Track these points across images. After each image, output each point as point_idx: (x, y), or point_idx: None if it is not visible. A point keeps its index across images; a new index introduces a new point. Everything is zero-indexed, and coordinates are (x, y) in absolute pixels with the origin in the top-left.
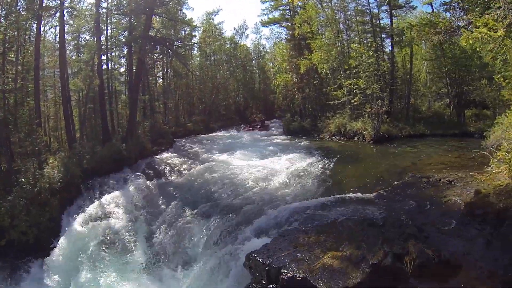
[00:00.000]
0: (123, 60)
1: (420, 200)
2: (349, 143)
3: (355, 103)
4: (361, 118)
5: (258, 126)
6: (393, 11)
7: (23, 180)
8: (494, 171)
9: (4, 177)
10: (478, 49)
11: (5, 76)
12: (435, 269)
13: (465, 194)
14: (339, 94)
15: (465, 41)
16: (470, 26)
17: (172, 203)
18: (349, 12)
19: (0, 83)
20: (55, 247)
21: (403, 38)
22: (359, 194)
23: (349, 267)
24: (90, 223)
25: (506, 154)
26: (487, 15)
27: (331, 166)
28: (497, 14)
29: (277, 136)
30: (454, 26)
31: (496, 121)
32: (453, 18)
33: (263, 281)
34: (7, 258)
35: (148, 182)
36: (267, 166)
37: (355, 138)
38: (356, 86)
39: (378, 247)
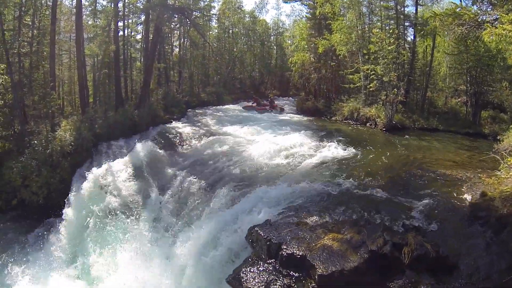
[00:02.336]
0: (140, 27)
1: (424, 194)
2: (361, 129)
3: (371, 89)
4: (375, 105)
5: (267, 107)
6: None
7: (35, 142)
8: (502, 176)
9: (17, 139)
10: (503, 49)
11: (21, 39)
12: (432, 264)
13: (471, 194)
14: (355, 78)
15: (488, 36)
16: (496, 22)
17: (180, 171)
18: None
19: (16, 46)
20: (64, 208)
21: (425, 28)
22: (366, 181)
23: (348, 251)
24: (99, 186)
25: None
26: None
27: (340, 149)
28: None
29: (290, 114)
30: (479, 20)
31: (511, 126)
32: (479, 11)
33: (263, 255)
34: (18, 217)
35: (158, 150)
36: (276, 142)
37: (367, 124)
38: (374, 72)
39: (379, 234)
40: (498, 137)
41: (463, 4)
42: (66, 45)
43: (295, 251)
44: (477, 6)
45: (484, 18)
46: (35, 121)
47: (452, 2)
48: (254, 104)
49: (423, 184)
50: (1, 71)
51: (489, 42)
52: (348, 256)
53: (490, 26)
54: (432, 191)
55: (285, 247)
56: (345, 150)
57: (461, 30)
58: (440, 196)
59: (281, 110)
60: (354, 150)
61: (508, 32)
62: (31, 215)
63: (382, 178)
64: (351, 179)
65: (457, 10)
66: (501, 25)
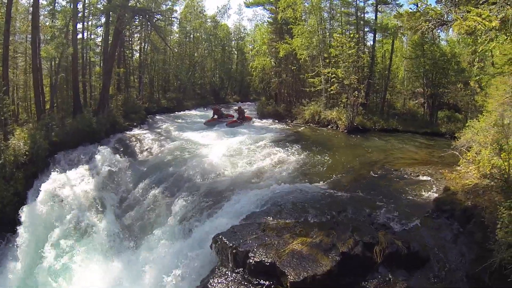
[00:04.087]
0: (99, 30)
1: (390, 193)
2: (322, 131)
3: (332, 92)
4: (336, 108)
5: (239, 119)
6: (378, 6)
7: None
8: (463, 171)
9: None
10: (457, 54)
11: None
12: (404, 260)
13: (434, 190)
14: (316, 81)
15: (458, 29)
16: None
17: (141, 180)
18: (334, 2)
19: None
20: (19, 223)
21: (387, 32)
22: (330, 182)
23: (319, 254)
24: (56, 198)
25: (475, 156)
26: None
27: (302, 152)
28: (490, 8)
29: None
30: (444, 18)
31: (467, 124)
32: (444, 7)
33: (229, 264)
34: None
35: (118, 158)
36: (237, 148)
37: (329, 127)
38: (334, 75)
39: (349, 235)
40: (455, 135)
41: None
42: (22, 47)
43: (263, 259)
44: (441, 4)
45: (450, 17)
46: None
47: (398, 11)
48: (215, 117)
49: (387, 183)
50: None
51: (446, 46)
52: (320, 260)
53: (460, 18)
54: (397, 189)
55: (252, 255)
56: (307, 152)
57: (428, 26)
58: (405, 193)
59: (251, 121)
60: (316, 152)
61: (478, 24)
62: None
63: (347, 179)
64: (315, 181)
65: (421, 8)
66: (471, 17)
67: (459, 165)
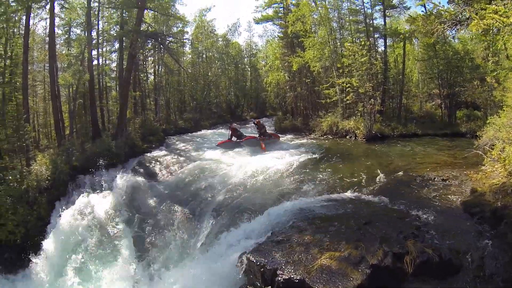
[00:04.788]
0: (114, 55)
1: (415, 199)
2: (341, 142)
3: (348, 102)
4: (353, 117)
5: (264, 137)
6: (386, 11)
7: (9, 177)
8: (488, 170)
9: None
10: (470, 51)
11: None
12: (436, 269)
13: (461, 192)
14: (331, 92)
15: (475, 29)
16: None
17: (162, 202)
18: (342, 11)
19: None
20: (42, 247)
21: (399, 35)
22: (354, 193)
23: (348, 268)
24: (78, 222)
25: (500, 153)
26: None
27: (323, 164)
28: (504, 3)
29: None
30: (459, 18)
31: (488, 121)
32: (457, 8)
33: (257, 283)
34: None
35: (139, 180)
36: (258, 163)
37: (347, 137)
38: (349, 85)
39: (377, 246)
40: (477, 134)
41: (427, 10)
42: (40, 75)
43: (292, 276)
44: (453, 5)
45: (464, 15)
46: (9, 156)
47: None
48: (231, 137)
49: (412, 189)
50: None
51: (459, 44)
52: (350, 274)
53: (477, 18)
54: (423, 195)
55: (280, 272)
56: (328, 164)
57: (443, 27)
58: (431, 199)
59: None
60: (337, 163)
61: (496, 22)
62: (9, 255)
63: (370, 188)
64: (339, 193)
65: (434, 11)
66: (488, 14)
67: (484, 165)
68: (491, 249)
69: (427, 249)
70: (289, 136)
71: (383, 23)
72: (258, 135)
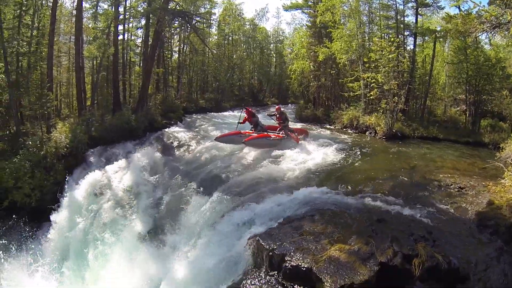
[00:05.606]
0: (140, 32)
1: (430, 203)
2: (360, 137)
3: (371, 97)
4: (375, 113)
5: (282, 128)
6: (419, 9)
7: (30, 143)
8: (508, 184)
9: (12, 139)
10: (502, 59)
11: (20, 38)
12: (443, 276)
13: (477, 203)
14: (355, 86)
15: None
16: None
17: (177, 176)
18: (374, 5)
19: (15, 45)
20: (56, 211)
21: (427, 39)
22: (369, 190)
23: (357, 262)
24: (93, 189)
25: None
26: None
27: (341, 157)
28: None
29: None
30: (499, 21)
31: None
32: (498, 10)
33: (264, 267)
34: (9, 220)
35: (156, 155)
36: (276, 149)
37: (367, 133)
38: (374, 80)
39: (388, 245)
40: (500, 146)
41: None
42: (65, 47)
43: (300, 263)
44: (494, 6)
45: (505, 18)
46: (31, 122)
47: (447, 12)
48: (243, 122)
49: (428, 193)
50: None
51: (491, 50)
52: (357, 269)
53: None
54: (438, 200)
55: (288, 258)
56: (345, 157)
57: (483, 28)
58: (446, 205)
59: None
60: (355, 158)
61: None
62: (23, 217)
63: (386, 187)
64: (353, 187)
65: (473, 11)
66: None
67: (503, 178)
68: (502, 265)
69: (436, 255)
70: (309, 126)
71: (414, 21)
72: (280, 128)
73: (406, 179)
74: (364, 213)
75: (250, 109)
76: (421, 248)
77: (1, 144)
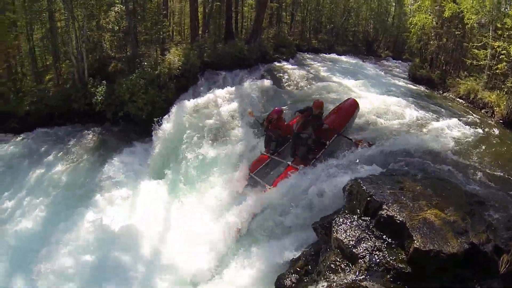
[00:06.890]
0: None
1: None
2: (474, 113)
3: (497, 71)
4: (498, 91)
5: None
6: None
7: (145, 63)
8: None
9: (129, 61)
10: None
11: None
12: None
13: None
14: (480, 54)
15: None
16: None
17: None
18: None
19: None
20: (163, 124)
21: None
22: (474, 171)
23: (450, 234)
24: (200, 109)
25: None
26: None
27: (455, 128)
28: None
29: (400, 79)
30: None
31: None
32: None
33: (358, 210)
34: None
35: (265, 85)
36: (385, 101)
37: (483, 111)
38: (505, 52)
39: (483, 229)
40: None
41: None
42: None
43: (395, 215)
44: None
45: None
46: (146, 46)
47: None
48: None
49: None
50: (117, 1)
51: None
52: (448, 240)
53: None
54: None
55: (386, 207)
56: (459, 130)
57: None
58: None
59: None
60: (468, 134)
61: None
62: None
63: (493, 175)
64: (461, 162)
65: None
66: None
67: None
68: None
69: None
70: (422, 88)
71: None
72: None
73: None
74: (466, 192)
75: (278, 114)
76: None
77: (120, 65)
